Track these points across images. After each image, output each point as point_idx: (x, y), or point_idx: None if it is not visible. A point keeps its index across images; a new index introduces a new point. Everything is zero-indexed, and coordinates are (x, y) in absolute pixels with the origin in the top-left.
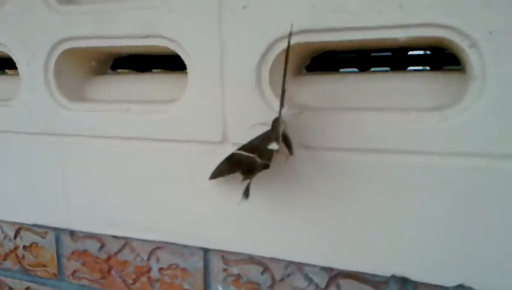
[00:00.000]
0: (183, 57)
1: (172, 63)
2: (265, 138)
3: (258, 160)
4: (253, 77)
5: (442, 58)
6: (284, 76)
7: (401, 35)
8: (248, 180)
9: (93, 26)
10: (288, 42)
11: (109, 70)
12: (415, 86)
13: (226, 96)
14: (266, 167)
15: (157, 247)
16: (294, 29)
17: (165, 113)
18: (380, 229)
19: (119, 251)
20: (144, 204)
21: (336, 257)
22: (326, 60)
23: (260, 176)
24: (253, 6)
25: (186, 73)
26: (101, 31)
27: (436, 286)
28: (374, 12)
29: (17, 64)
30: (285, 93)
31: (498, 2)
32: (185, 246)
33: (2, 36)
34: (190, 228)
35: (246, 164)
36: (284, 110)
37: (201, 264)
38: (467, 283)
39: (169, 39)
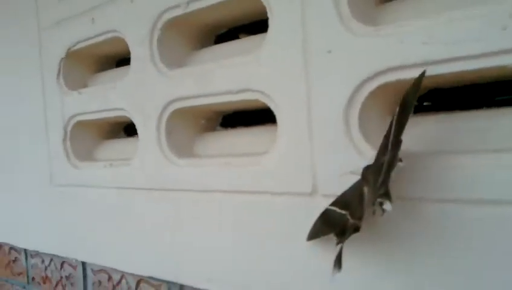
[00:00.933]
0: (272, 108)
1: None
2: (357, 190)
3: (350, 219)
4: (341, 122)
5: None
6: (403, 122)
7: (508, 61)
8: (340, 245)
9: (195, 86)
10: (420, 77)
11: (218, 127)
12: None
13: (314, 145)
14: (357, 229)
15: None
16: (382, 68)
17: (257, 165)
18: None
19: None
20: (238, 261)
21: None
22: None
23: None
24: (338, 50)
25: None
26: (201, 90)
27: None
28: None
29: (136, 127)
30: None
31: None
32: None
33: (123, 102)
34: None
35: (339, 223)
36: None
37: None
38: None
39: (260, 91)
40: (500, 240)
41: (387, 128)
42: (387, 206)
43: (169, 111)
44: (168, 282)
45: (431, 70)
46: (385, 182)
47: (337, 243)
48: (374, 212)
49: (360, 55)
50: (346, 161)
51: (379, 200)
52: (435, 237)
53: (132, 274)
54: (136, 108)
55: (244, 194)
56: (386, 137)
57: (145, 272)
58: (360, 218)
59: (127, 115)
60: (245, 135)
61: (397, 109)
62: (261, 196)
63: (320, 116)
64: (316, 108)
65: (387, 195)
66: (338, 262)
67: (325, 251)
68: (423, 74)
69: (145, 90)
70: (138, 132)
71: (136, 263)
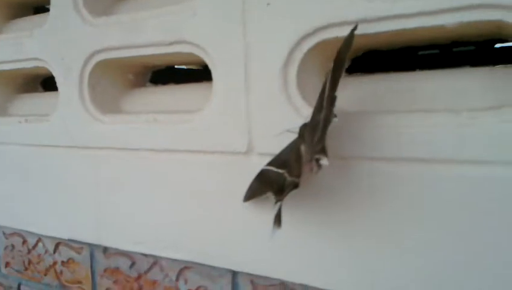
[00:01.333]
0: (208, 62)
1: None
2: (294, 148)
3: (288, 177)
4: (279, 79)
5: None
6: (337, 78)
7: (449, 21)
8: (279, 203)
9: (123, 36)
10: (351, 33)
11: (148, 84)
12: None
13: (250, 102)
14: (296, 186)
15: (185, 267)
16: (320, 24)
17: (190, 122)
18: (427, 254)
19: (149, 270)
20: (171, 220)
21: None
22: (367, 60)
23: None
24: (277, 2)
25: None
26: (129, 41)
27: None
28: None
29: (56, 79)
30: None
31: None
32: (213, 268)
33: (40, 52)
34: (218, 247)
35: (276, 181)
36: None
37: (229, 287)
38: None
39: (194, 44)
40: (428, 197)
41: (321, 86)
42: (324, 161)
43: (93, 63)
44: (90, 245)
45: (370, 28)
46: (322, 138)
47: (276, 201)
48: (311, 169)
49: (300, 9)
50: (282, 119)
51: (316, 156)
52: (366, 194)
53: (50, 237)
54: (55, 59)
55: (174, 152)
56: (321, 95)
57: (64, 235)
58: (298, 175)
59: (45, 66)
60: (176, 92)
61: (331, 66)
62: (193, 155)
63: (257, 72)
64: (254, 63)
65: (323, 151)
66: (278, 219)
67: (261, 208)
68: (355, 28)
69: (66, 40)
70: (58, 85)
71: (55, 226)
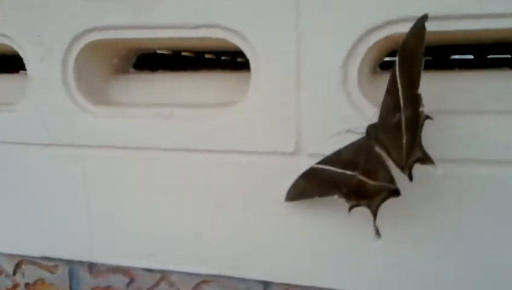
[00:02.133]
0: (246, 51)
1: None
2: (362, 150)
3: (368, 181)
4: (338, 75)
5: None
6: (416, 76)
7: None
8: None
9: (130, 12)
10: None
11: (132, 70)
12: None
13: (301, 99)
14: (397, 193)
15: (203, 281)
16: (393, 17)
17: (220, 119)
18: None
19: (154, 287)
20: (189, 230)
21: None
22: None
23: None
24: None
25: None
26: (140, 20)
27: None
28: None
29: (25, 61)
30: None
31: None
32: (240, 280)
33: (6, 26)
34: (248, 257)
35: (345, 183)
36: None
37: None
38: None
39: (229, 29)
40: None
41: (387, 84)
42: (438, 171)
43: (83, 44)
44: (68, 261)
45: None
46: (417, 143)
47: (353, 206)
48: (410, 177)
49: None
50: (340, 118)
51: (417, 163)
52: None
53: (7, 254)
54: (27, 36)
55: (196, 152)
56: (389, 92)
57: (32, 252)
58: (390, 181)
59: (12, 45)
60: (179, 80)
61: (396, 61)
62: (222, 155)
63: (312, 67)
64: (309, 57)
65: (428, 158)
66: (376, 228)
67: (303, 211)
68: (425, 17)
69: (47, 13)
70: (29, 68)
71: (20, 241)
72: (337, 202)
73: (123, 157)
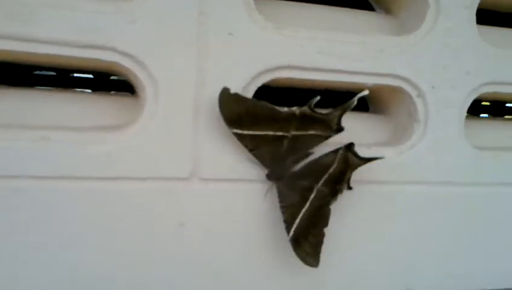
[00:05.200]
0: (139, 76)
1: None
2: None
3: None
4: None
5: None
6: None
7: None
8: None
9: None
10: None
11: None
12: None
13: (199, 126)
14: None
15: None
16: (283, 63)
17: (110, 144)
18: None
19: None
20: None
21: None
22: None
23: None
24: (239, 34)
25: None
26: (18, 30)
27: None
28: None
29: None
30: None
31: None
32: None
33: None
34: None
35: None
36: None
37: None
38: None
39: (126, 54)
40: None
41: None
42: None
43: None
44: None
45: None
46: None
47: None
48: None
49: (263, 46)
50: (236, 146)
51: None
52: None
53: None
54: None
55: (74, 180)
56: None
57: None
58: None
59: None
60: (39, 98)
61: None
62: (109, 183)
63: (211, 98)
64: (207, 88)
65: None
66: None
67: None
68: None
69: None
70: None
71: None
72: None
73: None
